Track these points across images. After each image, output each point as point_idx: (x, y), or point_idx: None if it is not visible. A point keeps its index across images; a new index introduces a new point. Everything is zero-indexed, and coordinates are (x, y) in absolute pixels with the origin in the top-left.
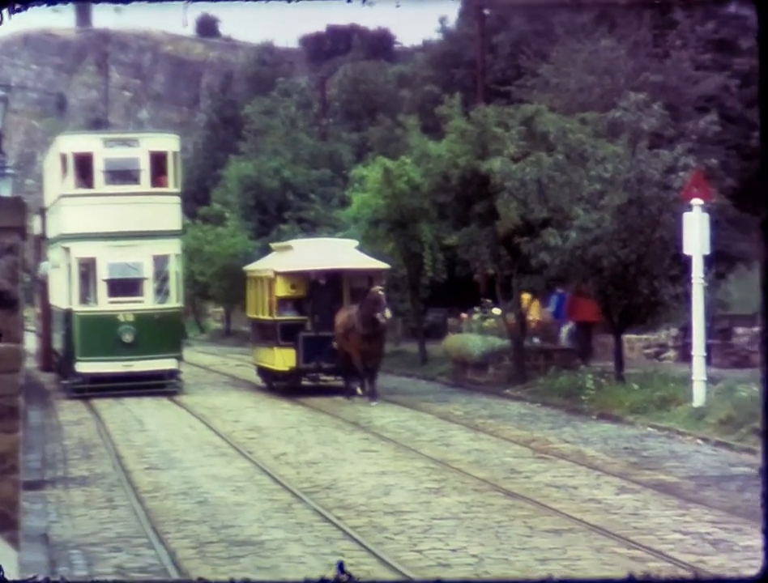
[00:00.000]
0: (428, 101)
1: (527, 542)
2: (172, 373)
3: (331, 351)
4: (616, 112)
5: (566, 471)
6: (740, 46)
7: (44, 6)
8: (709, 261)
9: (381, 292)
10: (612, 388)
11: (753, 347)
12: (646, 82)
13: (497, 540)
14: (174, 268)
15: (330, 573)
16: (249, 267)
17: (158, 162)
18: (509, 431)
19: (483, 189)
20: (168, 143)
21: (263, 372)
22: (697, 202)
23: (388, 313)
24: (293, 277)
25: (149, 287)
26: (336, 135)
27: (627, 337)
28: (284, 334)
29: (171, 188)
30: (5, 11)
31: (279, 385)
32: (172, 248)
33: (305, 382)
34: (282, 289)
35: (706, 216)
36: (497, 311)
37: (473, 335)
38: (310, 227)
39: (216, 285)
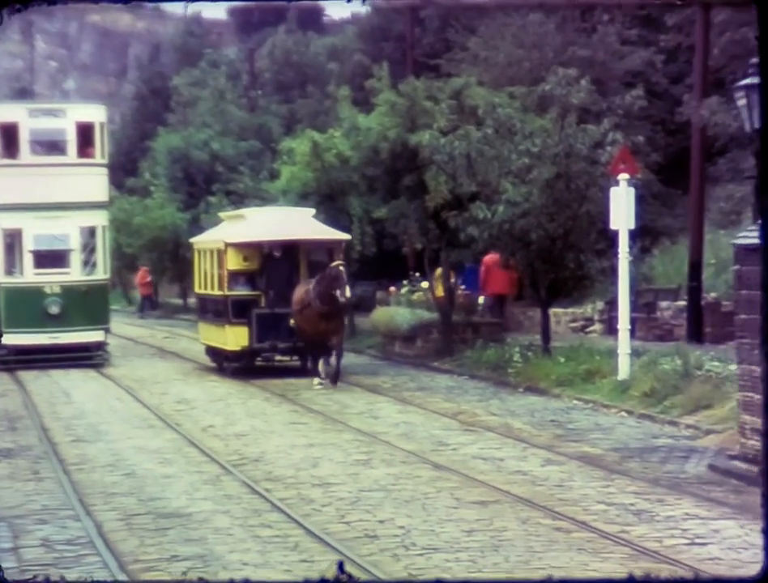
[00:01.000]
0: (358, 74)
1: (454, 514)
2: (100, 345)
3: (288, 329)
4: (545, 87)
5: (493, 443)
6: (666, 23)
7: (44, 6)
8: (634, 235)
9: (341, 268)
10: (538, 361)
11: (677, 321)
12: (573, 56)
13: (424, 512)
14: (101, 239)
15: (330, 573)
16: (196, 239)
17: (84, 133)
18: (437, 404)
19: (412, 163)
20: (95, 114)
21: (213, 351)
22: (623, 176)
23: (348, 292)
24: (245, 248)
25: (76, 259)
26: (265, 107)
27: (554, 310)
28: (236, 311)
29: (98, 159)
30: (5, 11)
31: (231, 366)
32: (99, 219)
33: (260, 363)
34: (233, 262)
35: (632, 191)
36: (425, 284)
37: (401, 309)
38: (239, 200)
39: (144, 257)
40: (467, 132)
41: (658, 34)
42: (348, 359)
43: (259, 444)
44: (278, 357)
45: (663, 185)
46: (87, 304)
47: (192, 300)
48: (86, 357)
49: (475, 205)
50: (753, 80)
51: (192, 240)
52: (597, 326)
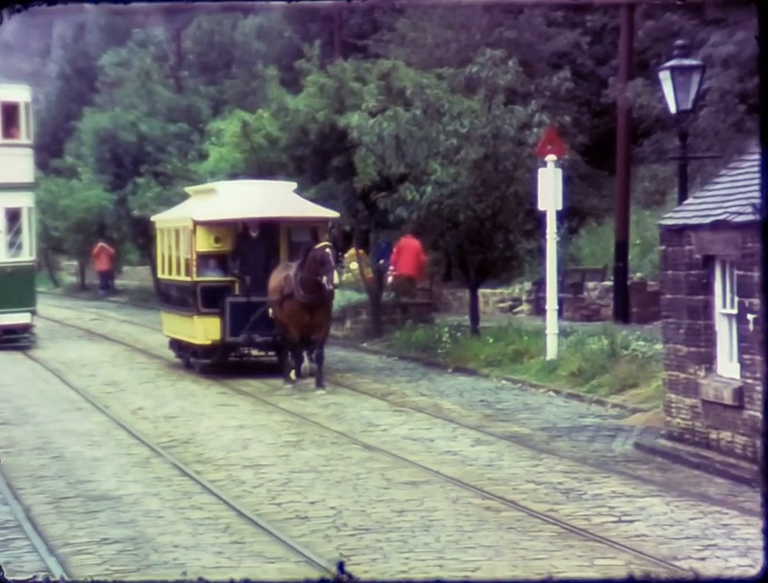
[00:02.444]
0: (286, 55)
1: (385, 494)
2: (26, 327)
3: (266, 320)
4: (473, 68)
5: (423, 424)
6: (592, 3)
7: (44, 6)
8: (561, 216)
9: (328, 250)
10: (467, 341)
11: (603, 301)
12: (501, 38)
13: (355, 492)
14: (27, 221)
15: (330, 573)
16: (159, 217)
17: (9, 113)
18: (367, 385)
19: (341, 144)
20: (20, 94)
21: (178, 345)
22: (550, 158)
23: (336, 278)
24: (217, 228)
25: (1, 241)
26: (193, 88)
27: (482, 291)
28: (206, 300)
29: (23, 139)
30: (5, 11)
31: (199, 363)
32: (24, 200)
33: (234, 359)
34: (203, 243)
35: (559, 172)
36: (354, 266)
37: None
38: (167, 181)
39: (71, 239)
40: (396, 113)
41: (584, 15)
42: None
43: (189, 426)
44: (254, 352)
45: (590, 166)
46: (13, 287)
47: (121, 282)
48: (12, 339)
49: (403, 186)
50: (678, 62)
51: (154, 217)
52: (525, 307)
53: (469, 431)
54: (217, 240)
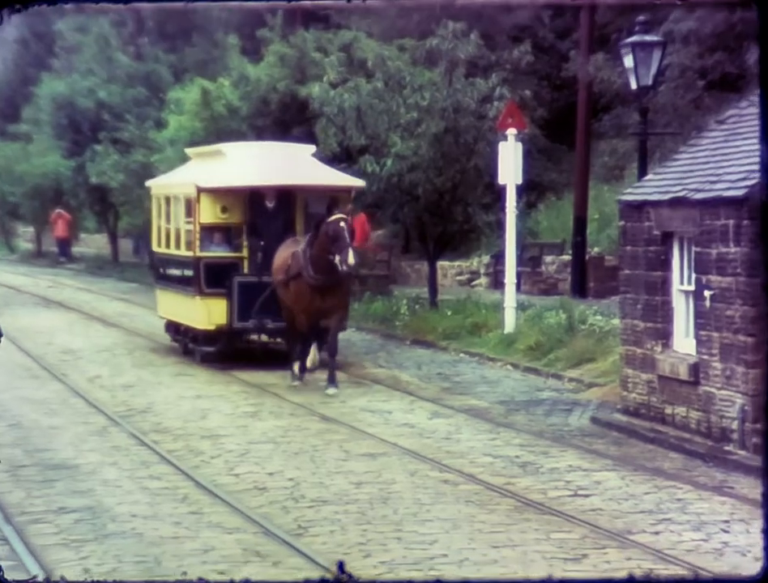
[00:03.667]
0: (247, 23)
1: (343, 466)
2: None
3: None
4: (434, 41)
5: (381, 396)
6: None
7: (44, 6)
8: (520, 190)
9: (342, 224)
10: (425, 314)
11: (561, 275)
12: (462, 9)
13: (313, 464)
14: None
15: (330, 573)
16: (155, 182)
17: None
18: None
19: (302, 114)
20: None
21: (175, 329)
22: (511, 131)
23: (352, 257)
24: (225, 196)
25: None
26: (153, 56)
27: (440, 264)
28: (210, 279)
29: None
30: (5, 11)
31: (201, 351)
32: None
33: (241, 345)
34: (208, 213)
35: (519, 146)
36: None
37: None
38: (125, 149)
39: (27, 205)
40: (357, 85)
41: None
42: None
43: (147, 396)
44: (263, 338)
45: (549, 141)
46: None
47: (78, 249)
48: None
49: (364, 158)
50: (640, 38)
51: (149, 182)
52: (483, 280)
53: (427, 403)
54: (224, 210)
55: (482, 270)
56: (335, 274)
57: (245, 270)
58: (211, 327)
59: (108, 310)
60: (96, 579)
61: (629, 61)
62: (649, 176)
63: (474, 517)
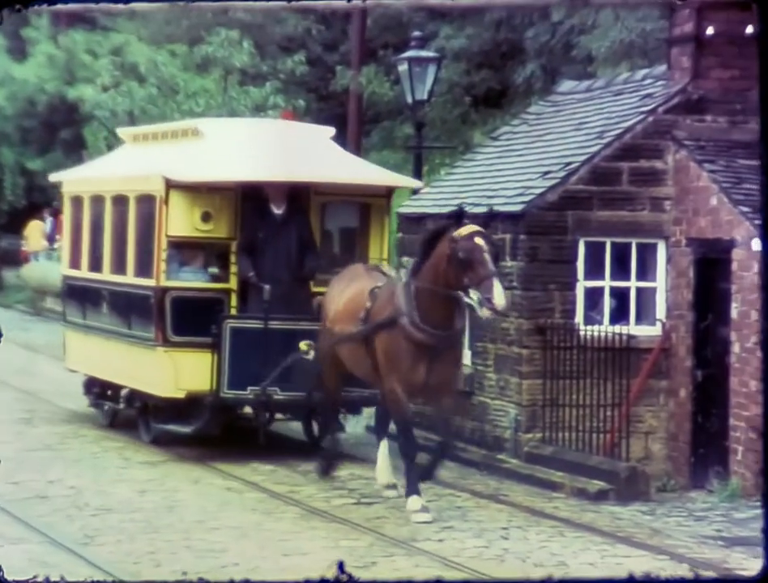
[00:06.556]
0: (12, 22)
1: (125, 474)
2: None
3: (302, 363)
4: (208, 48)
5: None
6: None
7: (44, 6)
8: None
9: (480, 241)
10: None
11: None
12: (233, 18)
13: (94, 472)
14: None
15: (330, 573)
16: (70, 176)
17: None
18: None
19: (70, 117)
20: None
21: (100, 389)
22: None
23: (501, 294)
24: (209, 196)
25: None
26: None
27: None
28: (181, 321)
29: None
30: (5, 11)
31: (158, 428)
32: None
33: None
34: (181, 221)
35: None
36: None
37: (53, 263)
38: None
39: None
40: (130, 89)
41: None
42: None
43: None
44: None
45: None
46: None
47: None
48: None
49: None
50: (416, 53)
51: (59, 176)
52: None
53: None
54: (206, 217)
55: None
56: (454, 326)
57: (233, 309)
58: (179, 394)
59: None
60: (95, 579)
61: (404, 76)
62: (426, 189)
63: (261, 525)
